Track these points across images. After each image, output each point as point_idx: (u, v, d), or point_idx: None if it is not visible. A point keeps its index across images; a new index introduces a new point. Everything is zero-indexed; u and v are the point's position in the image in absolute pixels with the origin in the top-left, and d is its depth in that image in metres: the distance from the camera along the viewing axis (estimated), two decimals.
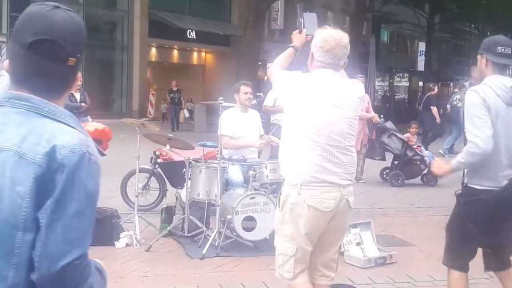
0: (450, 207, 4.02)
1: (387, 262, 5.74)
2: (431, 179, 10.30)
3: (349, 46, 3.42)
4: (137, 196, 6.48)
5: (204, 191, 6.03)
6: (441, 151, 14.42)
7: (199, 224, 6.07)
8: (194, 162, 6.16)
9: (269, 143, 7.41)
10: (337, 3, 36.32)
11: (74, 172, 1.45)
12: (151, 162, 7.35)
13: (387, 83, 45.28)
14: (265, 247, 5.94)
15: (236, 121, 6.59)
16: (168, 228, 6.17)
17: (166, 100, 23.97)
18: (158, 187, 7.52)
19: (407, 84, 47.43)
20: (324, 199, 3.30)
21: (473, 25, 42.04)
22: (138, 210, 6.68)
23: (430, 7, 35.59)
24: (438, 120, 15.16)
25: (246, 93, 6.66)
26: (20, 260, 1.44)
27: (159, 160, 7.29)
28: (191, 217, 6.13)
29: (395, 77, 45.41)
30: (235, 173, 6.39)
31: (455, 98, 15.16)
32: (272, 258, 5.69)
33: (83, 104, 9.88)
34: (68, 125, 1.55)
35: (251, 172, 6.03)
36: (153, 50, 26.98)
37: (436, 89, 16.38)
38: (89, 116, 10.19)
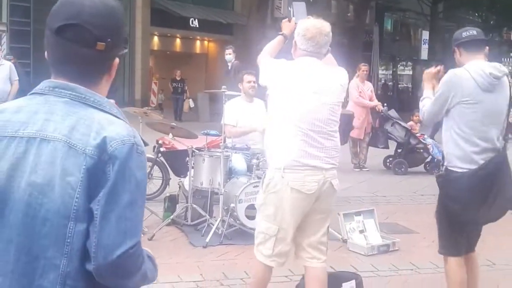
0: None
1: (390, 250, 5.76)
2: (434, 167, 10.29)
3: (330, 34, 3.55)
4: None
5: (207, 179, 6.03)
6: None
7: (202, 213, 6.07)
8: (197, 151, 6.16)
9: None
10: None
11: (125, 163, 1.48)
12: (154, 151, 7.34)
13: (391, 72, 45.14)
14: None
15: (241, 111, 6.57)
16: (171, 216, 6.18)
17: (164, 90, 23.87)
18: (161, 176, 7.52)
19: (411, 72, 47.27)
20: (306, 182, 3.43)
21: (476, 14, 41.79)
22: None
23: None
24: None
25: (249, 81, 6.63)
26: (72, 249, 1.47)
27: (162, 149, 7.28)
28: (194, 205, 6.14)
29: (399, 65, 45.26)
30: (238, 162, 6.38)
31: None
32: None
33: None
34: (114, 115, 1.57)
35: (254, 161, 6.02)
36: (155, 39, 26.90)
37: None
38: None
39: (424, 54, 38.51)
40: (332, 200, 3.67)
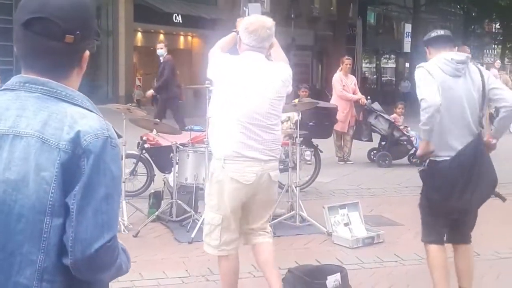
0: None
1: (375, 242, 5.79)
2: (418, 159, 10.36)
3: (273, 29, 3.67)
4: (124, 182, 6.43)
5: (192, 175, 6.02)
6: None
7: (187, 209, 6.06)
8: (182, 147, 6.15)
9: None
10: None
11: (99, 157, 1.48)
12: (138, 147, 7.31)
13: (374, 65, 45.33)
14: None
15: None
16: (156, 213, 6.17)
17: (140, 86, 23.64)
18: (146, 172, 7.49)
19: (394, 65, 47.51)
20: (245, 173, 3.59)
21: (458, 6, 42.06)
22: (126, 196, 6.66)
23: None
24: None
25: None
26: (49, 244, 1.47)
27: (146, 145, 7.26)
28: (179, 201, 6.13)
29: (382, 58, 45.47)
30: None
31: None
32: None
33: None
34: (86, 108, 1.56)
35: None
36: (139, 35, 26.76)
37: None
38: None
39: (407, 47, 38.71)
40: (272, 191, 3.81)
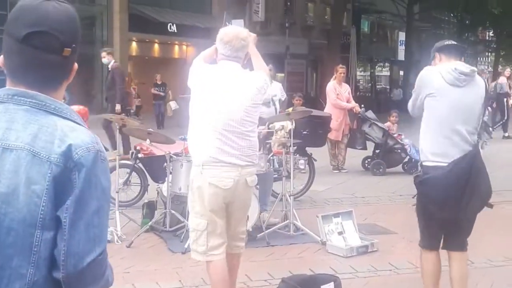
0: None
1: (369, 251, 5.78)
2: (412, 167, 10.36)
3: (247, 39, 3.84)
4: (117, 192, 6.43)
5: (185, 185, 5.97)
6: None
7: (181, 219, 6.05)
8: (175, 156, 6.14)
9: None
10: None
11: (91, 170, 1.48)
12: (131, 157, 7.30)
13: (369, 73, 45.41)
14: (247, 239, 5.94)
15: None
16: (150, 223, 6.15)
17: (140, 95, 23.57)
18: (139, 182, 7.47)
19: (388, 73, 47.61)
20: (223, 178, 3.71)
21: (452, 14, 42.28)
22: (120, 206, 6.64)
23: None
24: None
25: None
26: (40, 258, 1.46)
27: (139, 155, 7.24)
28: (172, 211, 6.11)
29: (376, 66, 45.57)
30: None
31: None
32: (255, 250, 5.77)
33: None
34: (75, 121, 1.56)
35: None
36: (134, 44, 26.77)
37: None
38: None
39: (401, 55, 38.90)
40: (248, 196, 3.95)
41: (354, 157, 11.01)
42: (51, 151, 1.47)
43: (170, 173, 6.11)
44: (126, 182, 7.27)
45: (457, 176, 3.75)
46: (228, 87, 3.75)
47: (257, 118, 3.87)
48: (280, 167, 6.80)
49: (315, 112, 8.79)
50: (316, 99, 25.92)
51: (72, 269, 1.46)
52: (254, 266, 5.37)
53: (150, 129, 6.43)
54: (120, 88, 10.53)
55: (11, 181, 1.46)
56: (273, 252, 5.77)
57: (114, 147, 8.18)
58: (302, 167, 7.18)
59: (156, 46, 28.24)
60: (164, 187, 6.51)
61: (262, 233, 6.00)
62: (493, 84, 17.52)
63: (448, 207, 3.83)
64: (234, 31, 3.85)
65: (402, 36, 39.27)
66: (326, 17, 36.13)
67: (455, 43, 4.08)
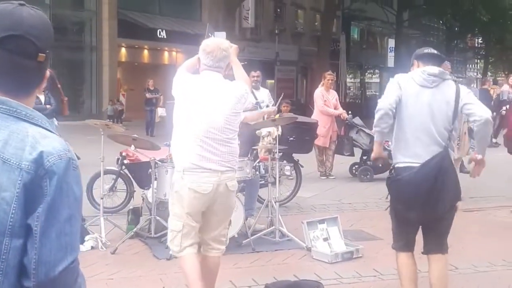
0: None
1: (354, 257, 5.78)
2: None
3: (229, 50, 4.00)
4: (102, 198, 6.40)
5: (170, 191, 5.97)
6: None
7: (166, 225, 5.97)
8: (160, 162, 6.11)
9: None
10: (307, 2, 36.47)
11: (62, 178, 1.46)
12: (117, 163, 7.27)
13: (359, 80, 45.63)
14: (232, 245, 5.92)
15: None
16: (134, 229, 6.11)
17: (113, 101, 23.46)
18: (125, 188, 7.44)
19: (378, 80, 47.84)
20: (202, 183, 3.87)
21: (441, 21, 42.56)
22: (105, 212, 6.62)
23: (398, 4, 35.95)
24: None
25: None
26: (8, 265, 1.44)
27: (125, 161, 7.22)
28: (157, 217, 6.08)
29: (366, 73, 45.79)
30: None
31: None
32: (240, 256, 5.76)
33: (48, 106, 9.75)
34: (46, 129, 1.54)
35: None
36: (123, 50, 26.76)
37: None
38: (54, 119, 10.06)
39: (390, 62, 39.05)
40: (230, 200, 4.07)
41: (342, 163, 11.02)
42: (21, 158, 1.46)
43: (155, 179, 6.09)
44: (112, 188, 7.25)
45: (425, 176, 3.82)
46: (209, 96, 3.90)
47: (238, 126, 4.02)
48: (266, 173, 6.80)
49: (302, 118, 8.82)
50: (305, 106, 25.95)
51: (43, 278, 1.44)
52: (239, 272, 5.35)
53: (135, 135, 6.41)
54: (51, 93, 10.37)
55: None
56: (258, 258, 5.76)
57: None
58: (288, 173, 7.18)
59: (146, 52, 28.25)
60: (149, 193, 6.48)
61: (248, 239, 5.99)
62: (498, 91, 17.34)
63: (417, 207, 3.90)
64: (216, 41, 4.05)
65: (391, 43, 39.47)
66: (316, 24, 36.31)
67: (435, 52, 4.13)
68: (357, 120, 10.77)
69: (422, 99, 3.89)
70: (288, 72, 34.94)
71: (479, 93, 17.72)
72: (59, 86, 10.40)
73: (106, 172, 7.14)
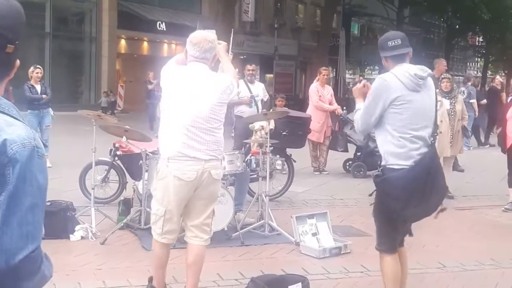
0: None
1: (342, 252, 5.80)
2: None
3: (215, 42, 4.11)
4: (93, 189, 6.43)
5: None
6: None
7: None
8: (151, 154, 6.13)
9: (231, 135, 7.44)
10: None
11: (25, 166, 1.46)
12: (110, 154, 7.29)
13: (358, 76, 45.51)
14: (221, 238, 5.96)
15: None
16: (124, 220, 6.14)
17: (107, 92, 23.36)
18: (118, 179, 7.46)
19: None
20: (186, 171, 3.97)
21: (441, 19, 42.47)
22: (98, 203, 6.64)
23: (399, 1, 35.86)
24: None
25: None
26: None
27: (118, 152, 7.23)
28: (148, 209, 6.06)
29: (366, 69, 45.70)
30: None
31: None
32: (229, 249, 5.79)
33: (44, 96, 9.76)
34: (13, 116, 1.54)
35: None
36: (123, 42, 26.71)
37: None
38: (50, 109, 10.08)
39: None
40: (213, 188, 4.14)
41: (336, 159, 11.03)
42: None
43: (146, 171, 6.11)
44: (105, 179, 7.27)
45: (417, 174, 3.79)
46: (195, 86, 4.00)
47: (223, 116, 4.11)
48: (257, 167, 6.81)
49: (295, 113, 8.82)
50: (304, 101, 25.96)
51: (3, 265, 1.45)
52: (227, 265, 5.38)
53: (127, 126, 6.42)
54: None
55: None
56: (247, 251, 5.78)
57: None
58: (279, 167, 7.20)
59: (145, 44, 28.20)
60: (140, 184, 6.49)
61: (237, 233, 6.01)
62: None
63: (411, 205, 3.84)
64: (203, 34, 4.15)
65: None
66: (316, 19, 36.22)
67: (399, 44, 3.91)
68: (352, 116, 10.75)
69: (414, 104, 3.80)
70: (287, 67, 34.90)
71: (488, 92, 17.45)
72: None
73: (99, 163, 7.16)
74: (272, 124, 7.69)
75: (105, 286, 4.72)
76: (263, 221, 6.32)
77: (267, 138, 6.65)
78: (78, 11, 25.21)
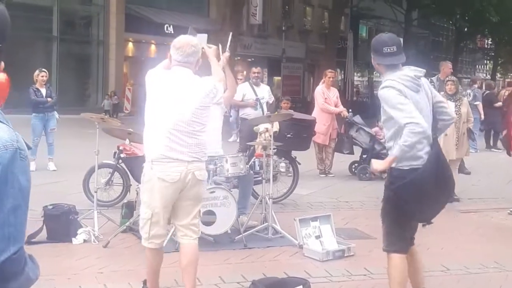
0: None
1: (345, 255, 5.76)
2: None
3: (198, 46, 4.19)
4: (96, 192, 6.43)
5: None
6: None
7: None
8: None
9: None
10: None
11: (7, 168, 1.45)
12: (114, 157, 7.29)
13: (367, 78, 45.45)
14: (225, 241, 5.95)
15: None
16: (127, 223, 6.13)
17: (110, 95, 23.42)
18: (122, 182, 7.45)
19: None
20: (170, 172, 4.04)
21: (450, 21, 42.30)
22: (102, 206, 6.64)
23: (407, 3, 35.74)
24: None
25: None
26: None
27: (122, 155, 7.23)
28: None
29: (374, 72, 45.56)
30: None
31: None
32: (232, 252, 5.77)
33: (49, 99, 9.80)
34: None
35: (211, 166, 6.00)
36: (130, 45, 26.78)
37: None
38: (55, 112, 10.12)
39: None
40: (198, 189, 4.20)
41: (342, 161, 10.98)
42: None
43: None
44: (108, 182, 7.27)
45: (430, 173, 3.78)
46: (178, 90, 4.08)
47: (207, 119, 4.19)
48: (261, 169, 6.79)
49: (299, 116, 8.79)
50: (311, 103, 25.94)
51: None
52: (229, 268, 5.36)
53: (130, 129, 6.42)
54: None
55: None
56: (250, 254, 5.76)
57: None
58: (283, 170, 7.17)
59: (153, 47, 28.22)
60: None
61: (240, 235, 5.99)
62: None
63: (427, 204, 3.86)
64: (186, 38, 4.21)
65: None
66: (324, 21, 36.18)
67: (394, 52, 3.88)
68: (357, 119, 10.73)
69: (419, 104, 3.85)
70: (295, 69, 34.87)
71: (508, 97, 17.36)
72: None
73: (103, 165, 7.17)
74: (276, 127, 7.66)
75: None
76: (266, 223, 6.30)
77: (271, 141, 6.63)
78: (86, 14, 25.32)
